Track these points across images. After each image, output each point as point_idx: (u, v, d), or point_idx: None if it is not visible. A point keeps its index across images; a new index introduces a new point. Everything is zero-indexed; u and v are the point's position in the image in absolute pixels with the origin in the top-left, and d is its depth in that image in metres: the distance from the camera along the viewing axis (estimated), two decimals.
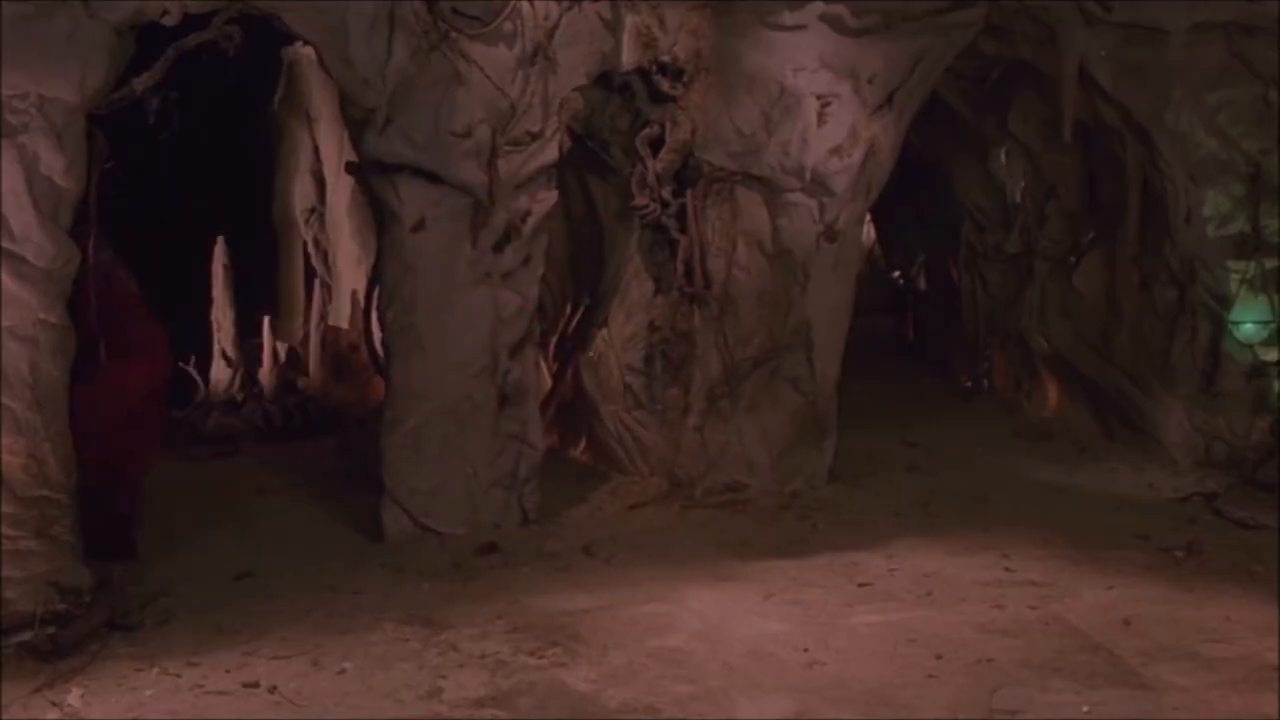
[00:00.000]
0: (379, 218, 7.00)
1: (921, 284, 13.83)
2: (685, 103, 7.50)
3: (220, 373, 10.08)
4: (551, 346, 8.97)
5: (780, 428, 7.95)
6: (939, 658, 4.88)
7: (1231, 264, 8.15)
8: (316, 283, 11.57)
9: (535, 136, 6.88)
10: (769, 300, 7.93)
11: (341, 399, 10.25)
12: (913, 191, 11.29)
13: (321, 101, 11.12)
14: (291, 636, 5.13)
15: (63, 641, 4.93)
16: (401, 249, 6.69)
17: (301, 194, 11.76)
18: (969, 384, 11.20)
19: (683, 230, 7.72)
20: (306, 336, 10.99)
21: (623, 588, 5.83)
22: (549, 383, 8.79)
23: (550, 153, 6.98)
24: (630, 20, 7.20)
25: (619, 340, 8.01)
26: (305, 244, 11.89)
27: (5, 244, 5.11)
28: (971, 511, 7.40)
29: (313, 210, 11.73)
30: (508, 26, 6.69)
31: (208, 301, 10.12)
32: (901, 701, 4.45)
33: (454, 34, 6.54)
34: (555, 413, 8.66)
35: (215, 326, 10.09)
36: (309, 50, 9.56)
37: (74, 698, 4.45)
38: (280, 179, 11.94)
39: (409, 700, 4.46)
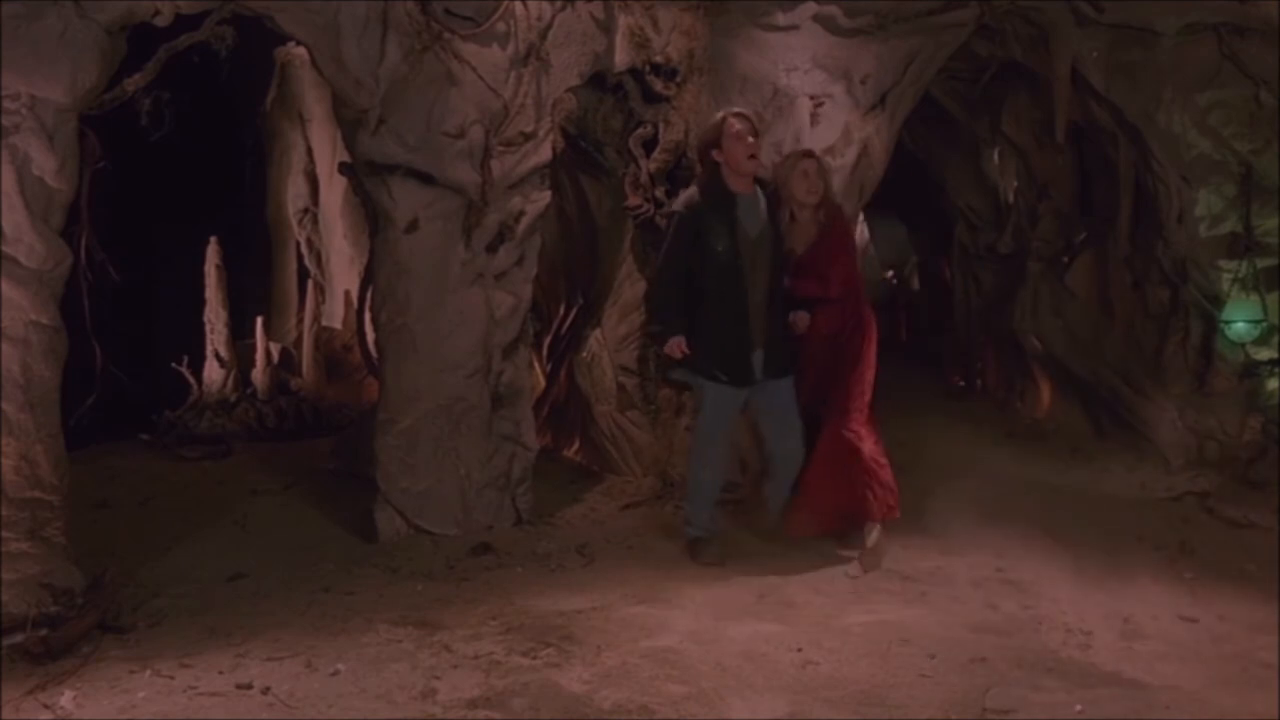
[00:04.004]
0: (372, 218, 6.99)
1: (915, 284, 13.88)
2: (678, 103, 7.51)
3: (213, 373, 10.05)
4: (545, 347, 8.98)
5: None
6: (932, 657, 4.89)
7: (1223, 264, 8.17)
8: (310, 283, 11.58)
9: (528, 137, 6.88)
10: None
11: (335, 400, 10.24)
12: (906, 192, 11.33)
13: (314, 102, 11.14)
14: (285, 638, 5.13)
15: (55, 644, 4.91)
16: (395, 249, 6.69)
17: (295, 194, 11.78)
18: (961, 384, 11.24)
19: None
20: (300, 337, 10.98)
21: (616, 588, 5.84)
22: (542, 383, 8.80)
23: (543, 153, 6.98)
24: (623, 21, 7.20)
25: (613, 341, 8.00)
26: (298, 244, 11.91)
27: None
28: (964, 511, 7.40)
29: (306, 211, 11.75)
30: (500, 27, 6.68)
31: (200, 302, 10.10)
32: (895, 701, 4.46)
33: (447, 34, 6.54)
34: (549, 413, 8.66)
35: (208, 327, 10.06)
36: (301, 51, 9.58)
37: (67, 700, 4.43)
38: (273, 179, 11.96)
39: (402, 701, 4.46)
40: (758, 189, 6.29)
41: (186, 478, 8.42)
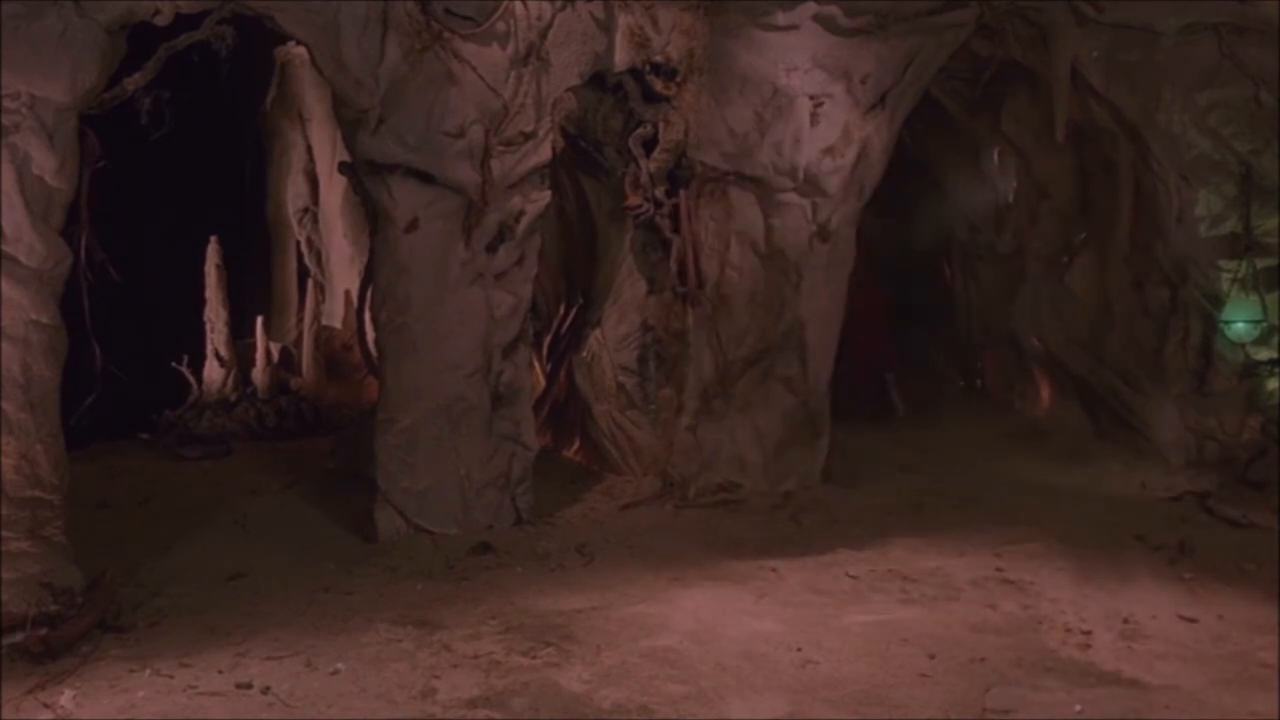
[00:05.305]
0: (372, 218, 7.00)
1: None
2: (678, 103, 7.51)
3: (213, 373, 10.06)
4: (545, 346, 8.98)
5: (773, 427, 7.96)
6: (932, 657, 4.89)
7: (1223, 264, 8.17)
8: (310, 282, 11.58)
9: (528, 136, 6.88)
10: (761, 300, 7.94)
11: (335, 399, 10.24)
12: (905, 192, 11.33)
13: (314, 101, 11.14)
14: (284, 637, 5.12)
15: (55, 643, 4.91)
16: (395, 249, 6.69)
17: (295, 194, 11.79)
18: (961, 383, 11.22)
19: (676, 230, 7.72)
20: (300, 336, 10.99)
21: (616, 588, 5.83)
22: (542, 383, 8.79)
23: (543, 153, 6.98)
24: (623, 20, 7.20)
25: (612, 340, 8.01)
26: (298, 244, 11.91)
27: None
28: (964, 511, 7.41)
29: (306, 210, 11.75)
30: (500, 26, 6.68)
31: (200, 302, 10.11)
32: (894, 701, 4.46)
33: (447, 34, 6.54)
34: (548, 413, 8.66)
35: (209, 327, 10.07)
36: (302, 50, 9.58)
37: (66, 699, 4.43)
38: (273, 179, 11.96)
39: (402, 701, 4.46)
40: None
41: (186, 478, 8.42)
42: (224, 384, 10.07)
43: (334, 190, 11.23)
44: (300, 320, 11.35)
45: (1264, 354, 8.20)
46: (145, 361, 8.51)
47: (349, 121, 6.65)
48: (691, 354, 7.88)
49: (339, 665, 4.79)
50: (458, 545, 6.57)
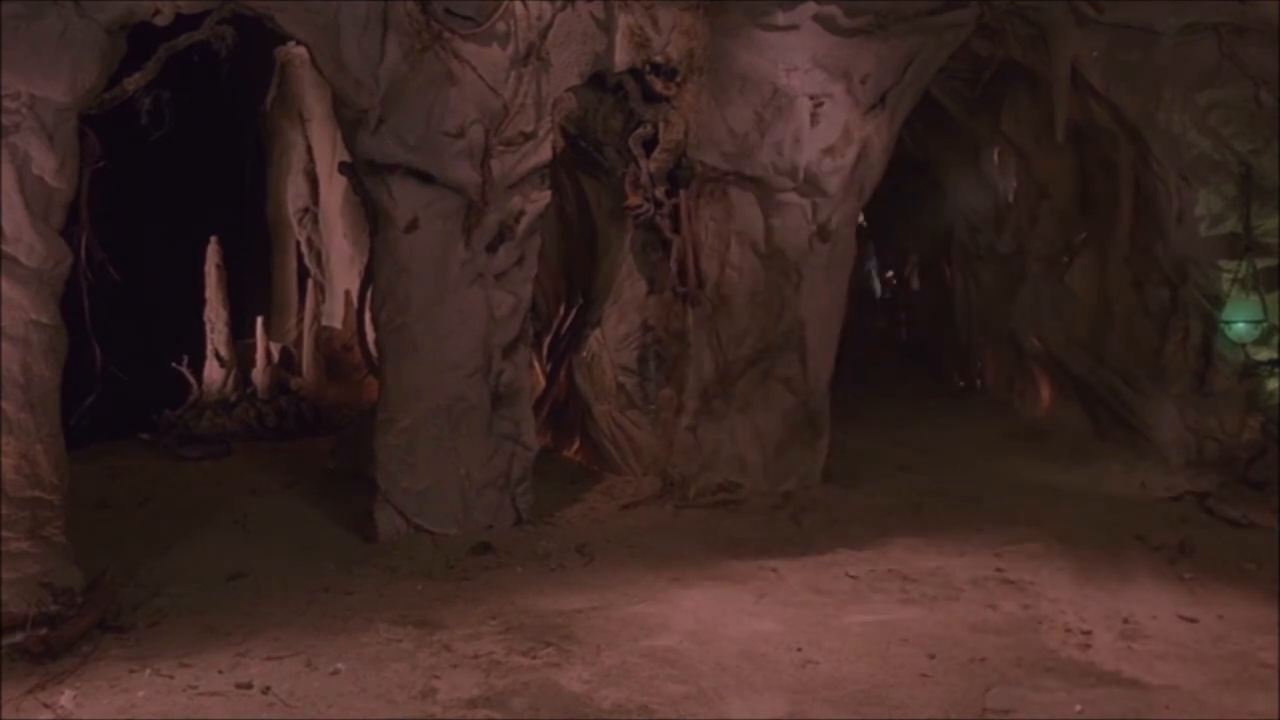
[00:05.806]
0: (372, 218, 7.00)
1: (915, 284, 13.89)
2: (678, 103, 7.51)
3: (214, 373, 10.06)
4: (545, 347, 8.99)
5: (773, 428, 7.96)
6: (932, 657, 4.89)
7: (1223, 264, 8.17)
8: (310, 283, 11.59)
9: (528, 136, 6.88)
10: (762, 300, 7.95)
11: (335, 399, 10.25)
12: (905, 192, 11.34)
13: (314, 101, 11.15)
14: (284, 637, 5.13)
15: (55, 643, 4.91)
16: (395, 249, 6.69)
17: (295, 194, 11.80)
18: (962, 383, 11.24)
19: (676, 230, 7.73)
20: (300, 336, 10.99)
21: (616, 588, 5.84)
22: (542, 383, 8.80)
23: (543, 153, 6.98)
24: (623, 20, 7.20)
25: (612, 340, 8.01)
26: (298, 244, 11.92)
27: None
28: (964, 511, 7.41)
29: (306, 210, 11.76)
30: (501, 26, 6.69)
31: (201, 301, 10.11)
32: (894, 701, 4.46)
33: (447, 34, 6.54)
34: (549, 413, 8.66)
35: (209, 327, 10.07)
36: (302, 50, 9.58)
37: (67, 699, 4.43)
38: (273, 179, 11.97)
39: (402, 701, 4.46)
40: None
41: (186, 478, 8.43)
42: (224, 384, 10.07)
43: (334, 190, 11.24)
44: (300, 320, 11.36)
45: (1264, 354, 8.20)
46: (145, 361, 8.51)
47: (349, 121, 6.66)
48: (691, 354, 7.89)
49: (339, 665, 4.79)
50: (458, 545, 6.57)
